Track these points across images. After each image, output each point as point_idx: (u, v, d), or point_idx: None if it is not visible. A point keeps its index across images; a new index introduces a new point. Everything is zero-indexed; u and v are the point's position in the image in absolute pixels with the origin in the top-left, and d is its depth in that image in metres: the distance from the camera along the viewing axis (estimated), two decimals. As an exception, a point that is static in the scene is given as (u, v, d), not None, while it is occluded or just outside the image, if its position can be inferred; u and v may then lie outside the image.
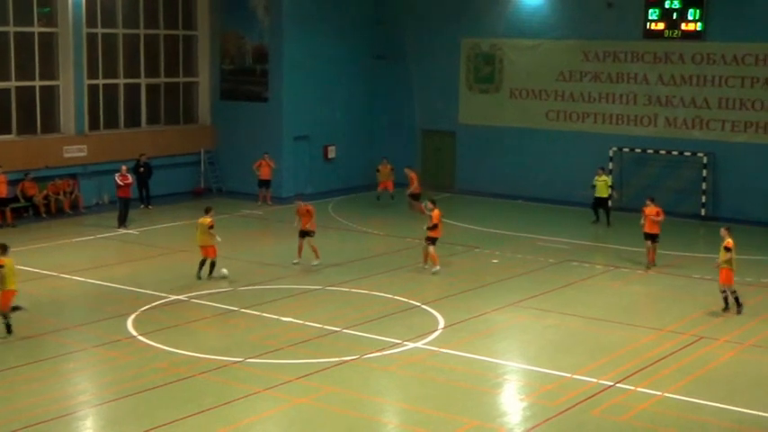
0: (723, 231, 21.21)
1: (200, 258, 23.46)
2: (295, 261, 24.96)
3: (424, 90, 37.88)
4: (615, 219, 30.28)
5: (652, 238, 24.76)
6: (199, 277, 23.28)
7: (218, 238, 23.46)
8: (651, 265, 24.91)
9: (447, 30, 36.98)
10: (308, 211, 24.92)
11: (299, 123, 35.90)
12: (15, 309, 19.05)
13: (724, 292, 21.02)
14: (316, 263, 24.76)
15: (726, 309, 21.00)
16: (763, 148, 31.55)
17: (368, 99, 38.49)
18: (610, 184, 30.45)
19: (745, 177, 31.87)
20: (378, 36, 38.22)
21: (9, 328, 18.82)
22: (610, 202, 30.52)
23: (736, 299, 21.07)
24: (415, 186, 32.02)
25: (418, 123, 38.20)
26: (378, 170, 34.12)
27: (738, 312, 20.90)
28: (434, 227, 24.17)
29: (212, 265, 23.39)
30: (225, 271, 23.47)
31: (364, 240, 28.22)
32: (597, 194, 30.35)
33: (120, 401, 15.63)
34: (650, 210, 24.68)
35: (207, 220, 23.44)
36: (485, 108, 36.65)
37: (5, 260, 18.87)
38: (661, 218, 24.67)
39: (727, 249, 20.70)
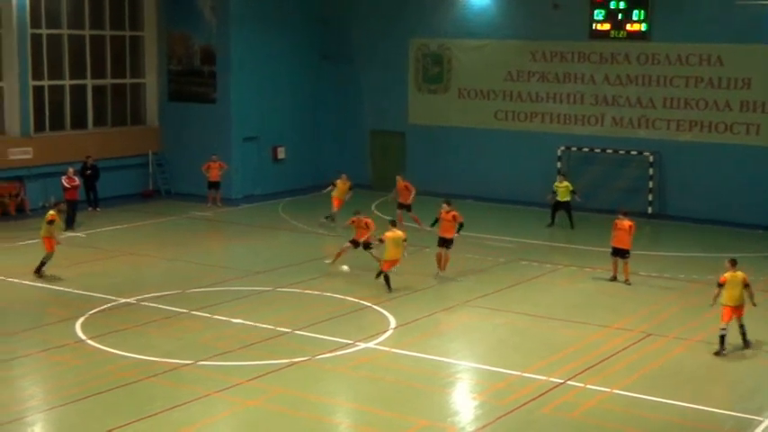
0: (727, 263, 18.44)
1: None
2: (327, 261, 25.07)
3: (373, 90, 37.88)
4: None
5: (446, 243, 24.13)
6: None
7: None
8: (441, 271, 24.20)
9: (395, 30, 37.02)
10: (366, 224, 24.74)
11: (248, 124, 35.75)
12: None
13: (723, 329, 18.25)
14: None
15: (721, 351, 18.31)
16: (708, 147, 31.99)
17: (316, 100, 38.40)
18: (572, 188, 30.30)
19: (690, 176, 32.28)
20: (325, 36, 38.12)
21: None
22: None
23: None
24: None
25: (367, 124, 38.23)
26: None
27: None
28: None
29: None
30: (345, 267, 24.27)
31: (315, 241, 28.19)
32: (559, 199, 30.23)
33: (69, 406, 15.45)
34: (446, 215, 24.21)
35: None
36: (434, 108, 36.75)
37: None
38: (459, 219, 24.11)
39: (719, 285, 18.29)
